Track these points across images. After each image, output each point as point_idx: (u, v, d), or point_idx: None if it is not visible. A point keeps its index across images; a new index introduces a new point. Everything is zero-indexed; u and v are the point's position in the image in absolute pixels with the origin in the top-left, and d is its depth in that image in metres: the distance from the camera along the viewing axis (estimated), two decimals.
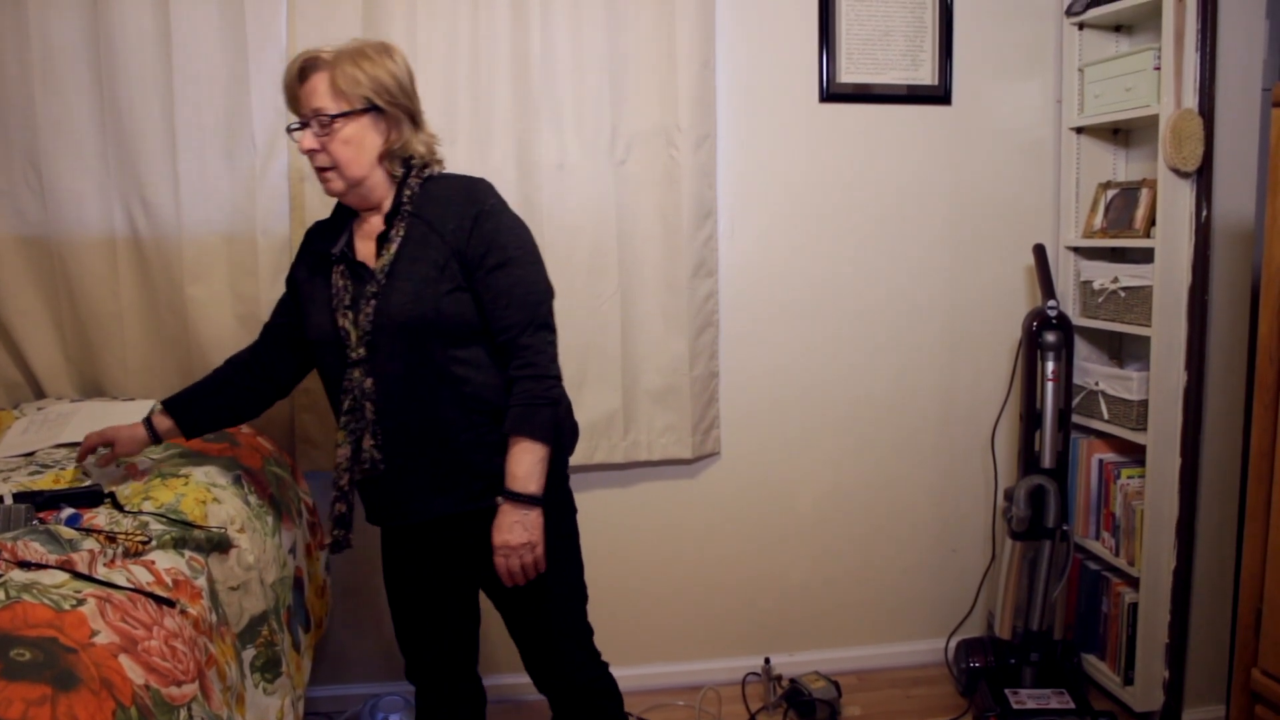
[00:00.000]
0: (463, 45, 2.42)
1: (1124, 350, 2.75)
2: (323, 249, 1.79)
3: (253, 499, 1.98)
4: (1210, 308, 2.39)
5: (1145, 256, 2.47)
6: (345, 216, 1.83)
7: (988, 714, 2.49)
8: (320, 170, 1.72)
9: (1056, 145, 2.78)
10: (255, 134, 2.38)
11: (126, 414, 2.18)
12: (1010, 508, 2.50)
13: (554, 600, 1.83)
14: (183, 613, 1.45)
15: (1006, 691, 2.53)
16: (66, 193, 2.33)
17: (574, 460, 1.92)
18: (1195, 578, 2.46)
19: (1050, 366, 2.50)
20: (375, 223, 1.76)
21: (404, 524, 1.83)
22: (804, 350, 2.76)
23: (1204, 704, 2.50)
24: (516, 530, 1.68)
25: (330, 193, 1.75)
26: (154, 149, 2.34)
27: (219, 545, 1.74)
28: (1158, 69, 2.39)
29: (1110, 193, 2.63)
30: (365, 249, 1.76)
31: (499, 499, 1.70)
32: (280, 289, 2.41)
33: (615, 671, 1.96)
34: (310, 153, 1.71)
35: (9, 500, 1.64)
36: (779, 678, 2.68)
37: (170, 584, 1.50)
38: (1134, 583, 2.53)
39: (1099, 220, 2.64)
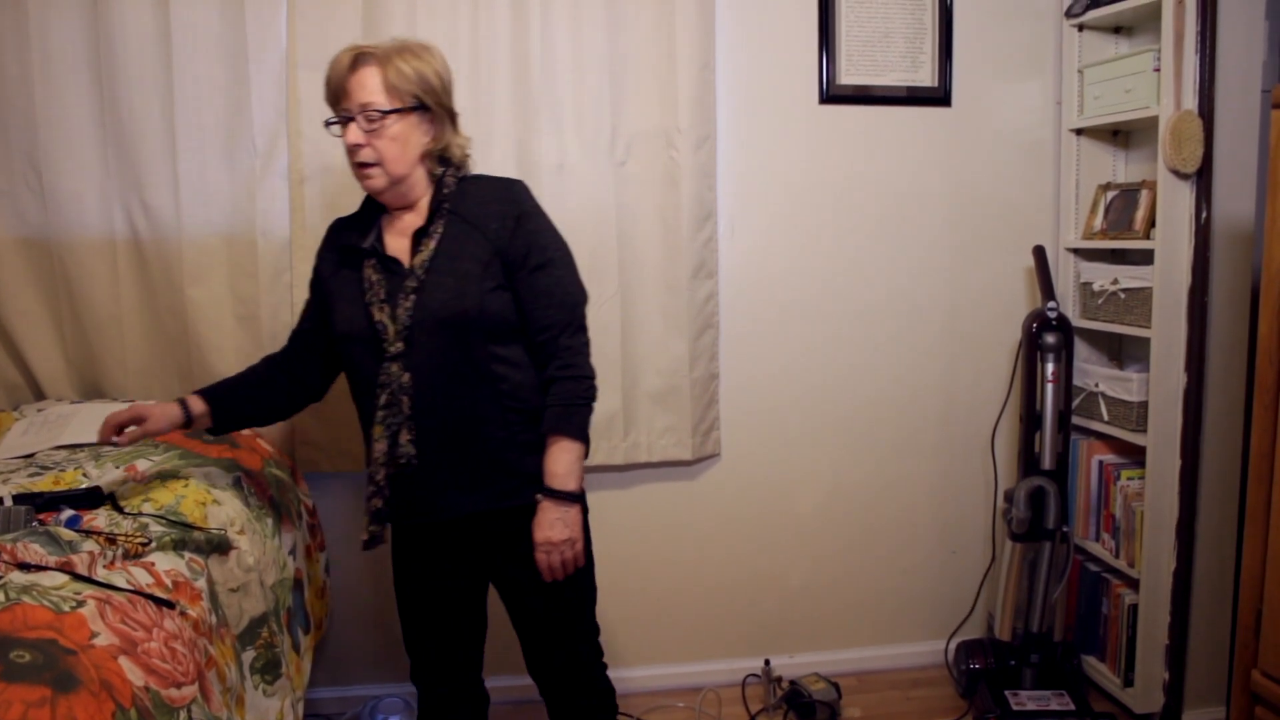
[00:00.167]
0: (463, 45, 2.42)
1: (1124, 351, 2.75)
2: (351, 244, 1.79)
3: (253, 501, 1.98)
4: (1210, 309, 2.40)
5: (1145, 258, 2.47)
6: (373, 213, 1.83)
7: (988, 715, 2.49)
8: (362, 165, 1.72)
9: (1056, 147, 2.78)
10: (255, 136, 2.38)
11: None
12: (1010, 509, 2.50)
13: (570, 596, 1.85)
14: (182, 614, 1.45)
15: (1006, 693, 2.52)
16: (66, 194, 2.33)
17: None
18: (1195, 579, 2.46)
19: (1050, 368, 2.50)
20: (410, 220, 1.78)
21: (430, 521, 1.81)
22: (804, 352, 2.76)
23: (1204, 705, 2.50)
24: (558, 527, 1.73)
25: (370, 189, 1.75)
26: (154, 150, 2.34)
27: (219, 547, 1.74)
28: (1157, 70, 2.39)
29: (1110, 194, 2.63)
30: (397, 245, 1.77)
31: (539, 496, 1.74)
32: (280, 290, 2.44)
33: (615, 673, 1.97)
34: (355, 148, 1.70)
35: (9, 502, 1.64)
36: (779, 679, 2.68)
37: (170, 586, 1.50)
38: (1134, 584, 2.52)
39: (1099, 222, 2.64)
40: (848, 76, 2.68)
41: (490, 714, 2.06)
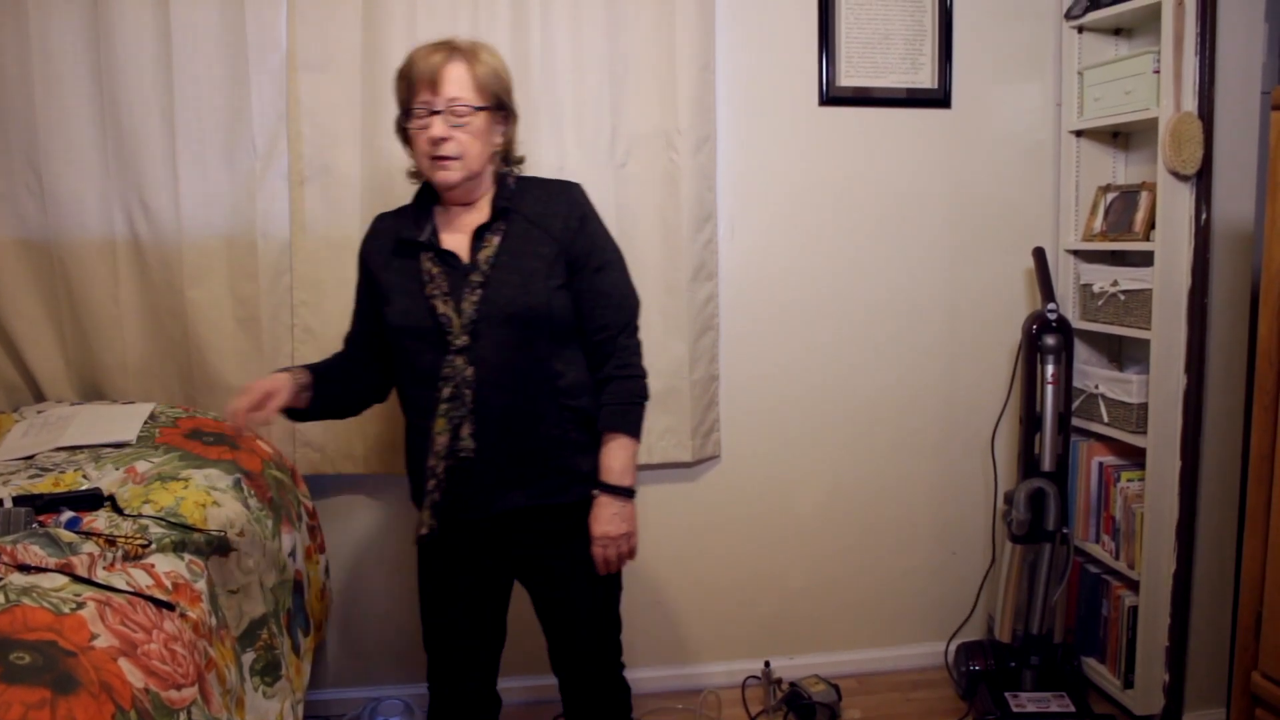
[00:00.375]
0: None
1: (1124, 353, 2.75)
2: (408, 237, 1.79)
3: (253, 502, 1.98)
4: (1210, 310, 2.40)
5: (1145, 259, 2.47)
6: (425, 207, 1.83)
7: (988, 717, 2.49)
8: (442, 159, 1.72)
9: (1056, 148, 2.78)
10: (255, 137, 2.38)
11: (126, 417, 2.18)
12: (1010, 511, 2.50)
13: (604, 591, 1.89)
14: (182, 616, 1.45)
15: (1006, 695, 2.52)
16: (66, 196, 2.33)
17: None
18: (1195, 581, 2.46)
19: (1050, 369, 2.50)
20: (470, 216, 1.79)
21: (475, 517, 1.80)
22: (804, 353, 2.76)
23: (1204, 707, 2.49)
24: (616, 522, 1.79)
25: (445, 182, 1.75)
26: (154, 152, 2.34)
27: (219, 548, 1.74)
28: (1157, 72, 2.39)
29: (1110, 196, 2.63)
30: (455, 240, 1.78)
31: (596, 492, 1.80)
32: (280, 292, 2.44)
33: None
34: (440, 140, 1.71)
35: (9, 503, 1.64)
36: (779, 681, 2.68)
37: (170, 587, 1.50)
38: (1134, 586, 2.52)
39: (1098, 223, 2.64)
40: (847, 78, 2.68)
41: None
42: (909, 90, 2.71)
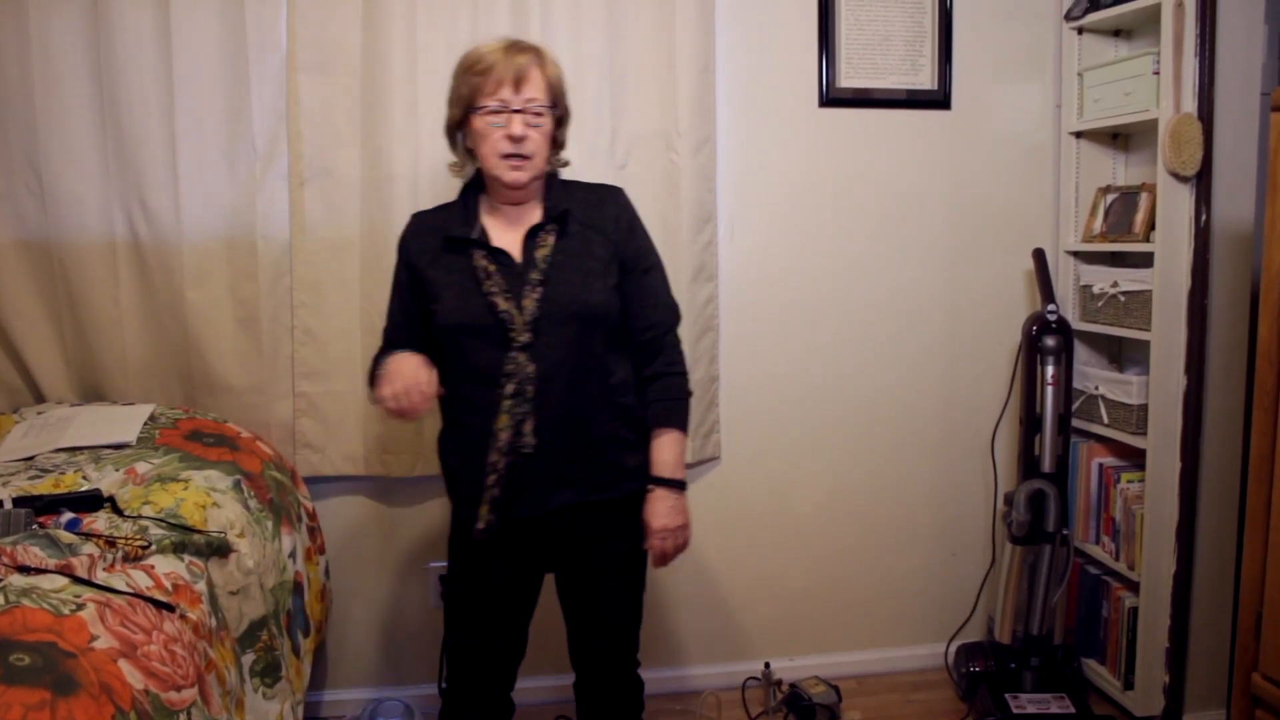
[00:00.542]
0: (463, 49, 2.41)
1: (1124, 354, 2.75)
2: (459, 234, 1.79)
3: (252, 503, 1.98)
4: (1210, 312, 2.40)
5: (1145, 261, 2.47)
6: (470, 206, 1.83)
7: (988, 718, 2.49)
8: (517, 157, 1.74)
9: (1056, 149, 2.78)
10: (255, 138, 2.38)
11: (126, 418, 2.18)
12: (1010, 512, 2.50)
13: (636, 585, 1.94)
14: (182, 617, 1.45)
15: (1007, 696, 2.52)
16: (67, 197, 2.33)
17: None
18: (1195, 582, 2.46)
19: (1050, 370, 2.50)
20: (520, 215, 1.81)
21: (530, 514, 1.80)
22: (804, 354, 2.76)
23: (1205, 708, 2.49)
24: (673, 514, 1.84)
25: (516, 181, 1.77)
26: (154, 153, 2.34)
27: (219, 550, 1.74)
28: (1157, 73, 2.39)
29: (1110, 197, 2.63)
30: (505, 239, 1.79)
31: (651, 485, 1.84)
32: (280, 293, 2.44)
33: None
34: (519, 139, 1.73)
35: (9, 505, 1.64)
36: (779, 682, 2.68)
37: (170, 589, 1.50)
38: (1134, 587, 2.52)
39: (1098, 224, 2.64)
40: (847, 79, 2.68)
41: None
42: (909, 91, 2.71)
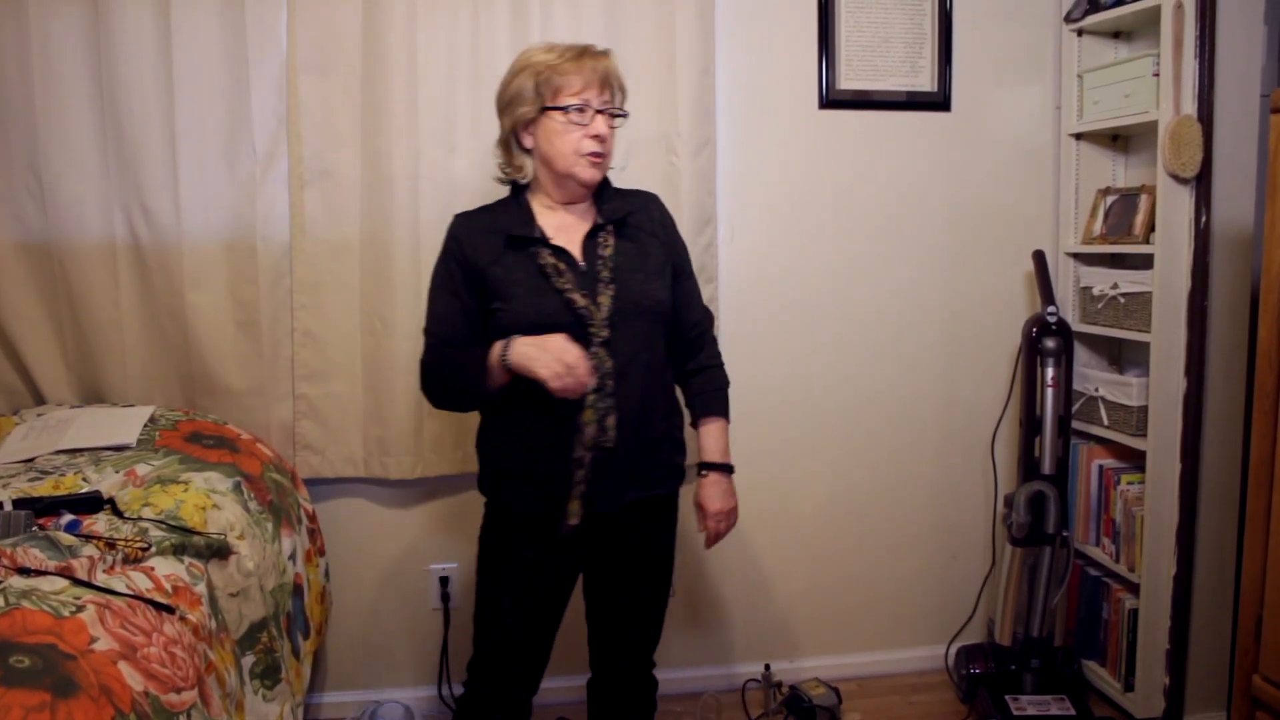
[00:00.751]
0: (463, 50, 2.43)
1: (1124, 356, 2.75)
2: (520, 233, 1.78)
3: (252, 505, 1.98)
4: (1210, 313, 2.40)
5: (1145, 262, 2.47)
6: (522, 206, 1.83)
7: None
8: (597, 155, 1.79)
9: (1056, 151, 2.79)
10: (256, 140, 2.38)
11: (126, 420, 2.18)
12: (1010, 514, 2.50)
13: (667, 581, 2.00)
14: (182, 619, 1.45)
15: (1007, 698, 2.52)
16: (67, 199, 2.33)
17: None
18: (1196, 583, 2.46)
19: (1050, 372, 2.50)
20: (576, 215, 1.85)
21: (608, 509, 1.80)
22: (804, 356, 2.76)
23: (1205, 710, 2.49)
24: (726, 498, 1.94)
25: (591, 181, 1.82)
26: (154, 155, 2.34)
27: (219, 551, 1.74)
28: (1157, 75, 2.39)
29: (1109, 199, 2.63)
30: (562, 238, 1.80)
31: (705, 471, 1.94)
32: (280, 295, 2.44)
33: None
34: (602, 138, 1.78)
35: (9, 506, 1.64)
36: (779, 684, 2.68)
37: (170, 590, 1.50)
38: (1134, 589, 2.52)
39: (1098, 226, 2.64)
40: (847, 81, 2.68)
41: None
42: (909, 93, 2.71)
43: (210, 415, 2.36)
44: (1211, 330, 2.40)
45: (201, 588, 1.59)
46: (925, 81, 2.71)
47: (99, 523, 1.64)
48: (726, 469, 1.96)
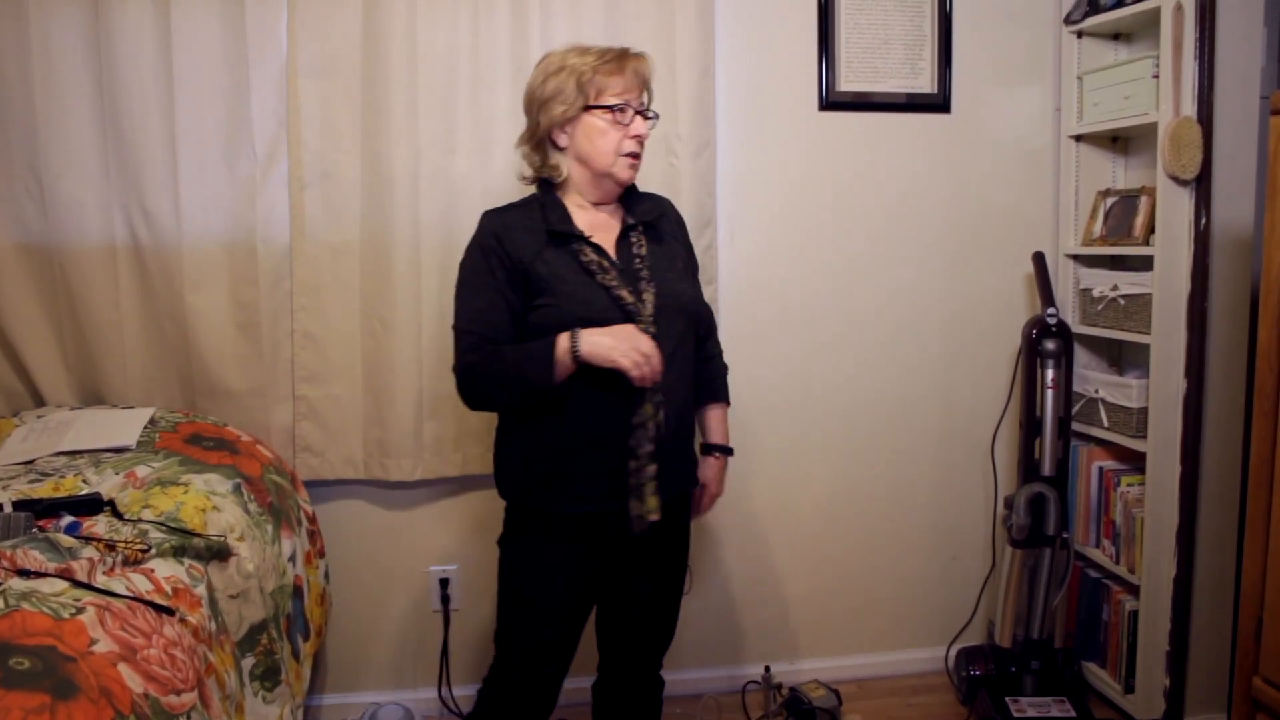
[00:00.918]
0: (463, 51, 2.43)
1: (1123, 358, 2.75)
2: (561, 229, 1.77)
3: (252, 507, 1.98)
4: (1210, 315, 2.40)
5: (1145, 264, 2.47)
6: (556, 204, 1.82)
7: None
8: (634, 156, 1.82)
9: (1055, 153, 2.79)
10: (256, 142, 2.38)
11: (126, 422, 2.18)
12: (1010, 515, 2.50)
13: (683, 579, 2.02)
14: (182, 621, 1.45)
15: (1007, 700, 2.52)
16: (67, 201, 2.33)
17: None
18: (1196, 585, 2.46)
19: (1050, 374, 2.50)
20: (606, 215, 1.87)
21: (663, 501, 1.79)
22: (804, 358, 2.76)
23: (1205, 712, 2.49)
24: (724, 478, 2.09)
25: (627, 180, 1.85)
26: (154, 157, 2.34)
27: (218, 553, 1.74)
28: (1156, 77, 2.40)
29: (1109, 200, 2.63)
30: (599, 237, 1.81)
31: (717, 454, 2.06)
32: (280, 297, 2.44)
33: None
34: (640, 139, 1.82)
35: (9, 508, 1.64)
36: (779, 686, 2.68)
37: (169, 592, 1.50)
38: (1134, 590, 2.52)
39: (1098, 228, 2.64)
40: (847, 83, 2.68)
41: None
42: (909, 95, 2.71)
43: (210, 417, 2.36)
44: (1211, 332, 2.40)
45: (201, 589, 1.59)
46: (925, 83, 2.72)
47: (99, 524, 1.64)
48: (729, 451, 2.08)
